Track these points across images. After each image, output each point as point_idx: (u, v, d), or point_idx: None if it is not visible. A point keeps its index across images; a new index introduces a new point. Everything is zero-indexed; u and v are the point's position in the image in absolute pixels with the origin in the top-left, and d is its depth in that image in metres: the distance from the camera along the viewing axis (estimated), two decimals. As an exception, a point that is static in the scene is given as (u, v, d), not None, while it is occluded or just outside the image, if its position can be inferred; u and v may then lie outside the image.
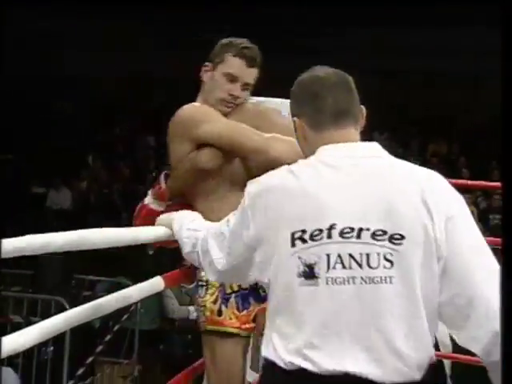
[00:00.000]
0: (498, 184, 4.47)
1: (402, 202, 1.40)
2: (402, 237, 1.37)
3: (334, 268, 1.37)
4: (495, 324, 1.35)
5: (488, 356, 1.38)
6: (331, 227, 1.38)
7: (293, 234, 1.40)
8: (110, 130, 11.69)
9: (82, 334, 4.81)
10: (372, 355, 1.35)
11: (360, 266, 1.36)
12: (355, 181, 1.43)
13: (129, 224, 2.10)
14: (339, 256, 1.37)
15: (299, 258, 1.38)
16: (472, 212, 5.95)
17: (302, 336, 1.38)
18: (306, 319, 1.38)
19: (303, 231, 1.39)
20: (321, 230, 1.38)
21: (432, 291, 1.39)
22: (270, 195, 1.45)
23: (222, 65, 2.12)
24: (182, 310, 5.65)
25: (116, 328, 5.56)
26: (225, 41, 2.17)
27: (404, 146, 10.64)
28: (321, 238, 1.38)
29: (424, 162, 10.06)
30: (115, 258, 6.82)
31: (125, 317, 5.76)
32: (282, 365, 1.38)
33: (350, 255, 1.37)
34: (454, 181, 5.21)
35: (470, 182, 4.86)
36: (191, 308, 5.60)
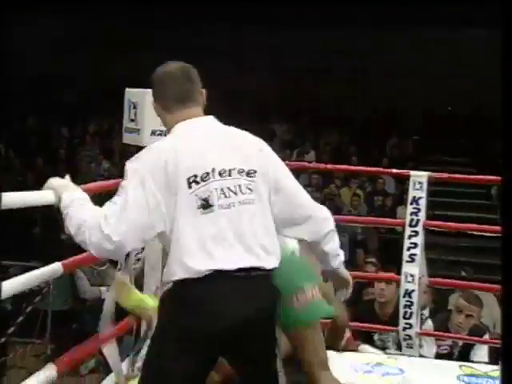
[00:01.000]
0: (381, 169, 4.74)
1: (250, 149, 1.93)
2: (255, 171, 1.90)
3: (220, 198, 1.84)
4: (330, 223, 2.06)
5: (323, 245, 2.05)
6: (213, 170, 1.85)
7: (188, 179, 1.82)
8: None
9: (-6, 316, 4.63)
10: (251, 252, 1.83)
11: (235, 194, 1.85)
12: (216, 138, 1.91)
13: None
14: (221, 189, 1.85)
15: (196, 195, 1.82)
16: (358, 195, 6.17)
17: (206, 248, 1.80)
18: (208, 237, 1.80)
19: (195, 176, 1.83)
20: (207, 173, 1.84)
21: (276, 206, 1.93)
22: (162, 156, 1.83)
23: None
24: (94, 291, 5.56)
25: (29, 309, 5.39)
26: None
27: (301, 136, 10.87)
28: (208, 179, 1.83)
29: (318, 150, 10.30)
30: (28, 242, 6.62)
31: (37, 298, 5.59)
32: (192, 275, 1.78)
33: (228, 188, 1.85)
34: (344, 166, 5.28)
35: (358, 168, 5.16)
36: (103, 288, 5.52)
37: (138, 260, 2.56)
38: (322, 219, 2.06)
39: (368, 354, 3.47)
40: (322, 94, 11.12)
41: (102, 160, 9.15)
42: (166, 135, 3.28)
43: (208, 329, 1.80)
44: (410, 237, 3.35)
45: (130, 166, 1.86)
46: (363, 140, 10.41)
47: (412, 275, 3.31)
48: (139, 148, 3.62)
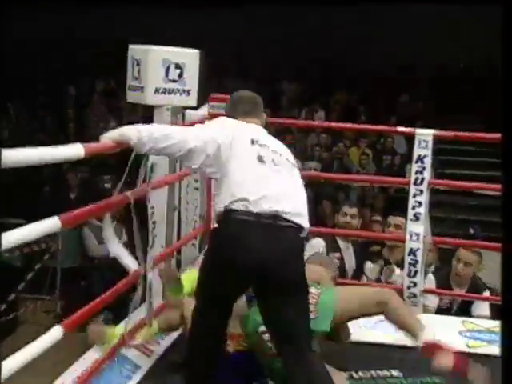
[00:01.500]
0: (386, 127, 4.70)
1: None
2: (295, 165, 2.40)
3: (272, 160, 2.30)
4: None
5: None
6: (267, 146, 2.35)
7: (252, 140, 2.32)
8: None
9: (3, 273, 4.70)
10: (290, 206, 2.23)
11: (284, 165, 2.33)
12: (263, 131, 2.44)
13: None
14: (273, 158, 2.30)
15: (255, 150, 2.29)
16: (367, 154, 6.14)
17: (259, 193, 2.19)
18: (263, 184, 2.22)
19: (257, 140, 2.34)
20: (264, 144, 2.34)
21: None
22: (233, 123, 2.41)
23: None
24: (102, 249, 5.61)
25: (38, 267, 5.46)
26: None
27: (310, 95, 10.77)
28: (265, 146, 2.33)
29: (328, 109, 10.22)
30: (38, 202, 6.66)
31: (46, 256, 5.67)
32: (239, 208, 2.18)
33: (278, 160, 2.32)
34: (349, 125, 5.23)
35: (364, 126, 5.11)
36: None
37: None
38: None
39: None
40: (333, 50, 10.95)
41: (110, 119, 9.13)
42: (169, 93, 3.34)
43: (240, 260, 2.13)
44: (414, 195, 3.33)
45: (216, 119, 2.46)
46: (373, 99, 10.30)
47: (417, 234, 3.31)
48: (147, 107, 3.65)
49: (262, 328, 2.51)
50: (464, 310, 3.76)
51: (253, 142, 2.31)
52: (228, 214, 2.19)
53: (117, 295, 2.47)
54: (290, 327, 2.22)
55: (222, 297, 2.27)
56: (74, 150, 2.04)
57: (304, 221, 2.25)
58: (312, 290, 2.55)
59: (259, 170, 2.25)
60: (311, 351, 2.26)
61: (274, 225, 2.16)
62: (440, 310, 3.73)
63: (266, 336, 2.51)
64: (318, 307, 2.55)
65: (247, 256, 2.13)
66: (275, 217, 2.17)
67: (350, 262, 4.03)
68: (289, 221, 2.19)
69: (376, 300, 2.55)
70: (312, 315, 2.44)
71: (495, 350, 3.25)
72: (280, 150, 2.38)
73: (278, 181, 2.26)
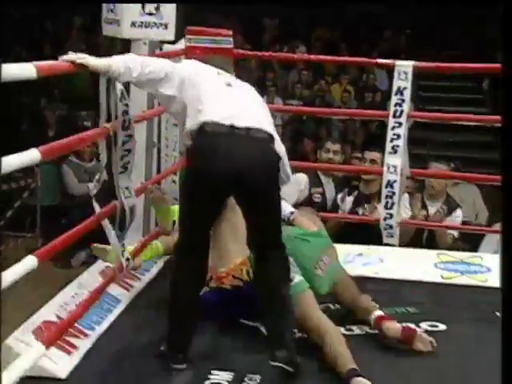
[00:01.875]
0: (365, 60, 4.67)
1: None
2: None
3: (237, 85, 2.45)
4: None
5: None
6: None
7: (218, 72, 2.46)
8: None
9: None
10: (257, 119, 2.35)
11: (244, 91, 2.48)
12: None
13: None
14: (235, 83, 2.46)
15: (222, 79, 2.43)
16: (349, 91, 6.13)
17: (231, 109, 2.31)
18: (233, 101, 2.35)
19: (219, 73, 2.47)
20: (223, 74, 2.49)
21: None
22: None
23: None
24: (81, 187, 5.60)
25: (17, 204, 5.44)
26: None
27: (292, 32, 10.59)
28: (228, 76, 2.48)
29: (310, 46, 10.08)
30: (15, 139, 6.57)
31: (26, 194, 5.65)
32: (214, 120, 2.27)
33: (238, 86, 2.47)
34: (337, 58, 5.19)
35: (350, 59, 5.06)
36: (90, 185, 5.55)
37: (126, 151, 2.55)
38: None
39: (349, 246, 3.56)
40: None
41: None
42: (146, 27, 3.27)
43: (215, 170, 2.23)
44: (393, 128, 3.33)
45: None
46: (355, 35, 10.16)
47: (394, 166, 3.33)
48: (125, 43, 3.58)
49: None
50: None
51: (219, 73, 2.46)
52: (201, 129, 2.28)
53: (94, 226, 2.47)
54: (264, 230, 2.35)
55: (204, 210, 2.34)
56: (26, 71, 1.90)
57: (272, 130, 2.36)
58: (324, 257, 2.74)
59: (228, 91, 2.39)
60: (279, 255, 2.38)
61: (246, 135, 2.27)
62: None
63: None
64: (327, 270, 2.71)
65: (221, 165, 2.23)
66: (247, 129, 2.28)
67: (331, 196, 4.11)
68: (261, 131, 2.30)
69: (352, 297, 2.72)
70: (321, 273, 2.64)
71: (468, 280, 3.35)
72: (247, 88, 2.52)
73: (246, 99, 2.41)
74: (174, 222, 3.01)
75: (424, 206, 3.93)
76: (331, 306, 2.83)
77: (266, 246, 2.37)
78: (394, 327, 2.55)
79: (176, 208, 2.98)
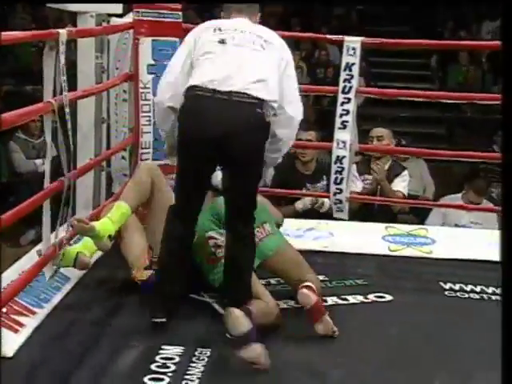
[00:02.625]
0: (320, 36, 4.70)
1: (272, 36, 2.49)
2: (273, 44, 2.46)
3: (235, 40, 2.38)
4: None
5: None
6: (235, 29, 2.42)
7: (214, 29, 2.43)
8: None
9: None
10: (247, 82, 2.32)
11: (249, 43, 2.38)
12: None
13: None
14: (238, 38, 2.38)
15: (217, 36, 2.40)
16: (301, 67, 6.09)
17: (215, 72, 2.32)
18: (220, 62, 2.35)
19: (220, 28, 2.43)
20: (229, 29, 2.42)
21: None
22: (205, 24, 2.51)
23: None
24: (29, 164, 5.48)
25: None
26: None
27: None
28: (229, 31, 2.41)
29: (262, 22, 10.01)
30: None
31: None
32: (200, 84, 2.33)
33: (244, 39, 2.41)
34: (287, 33, 5.24)
35: (301, 34, 5.09)
36: (37, 161, 5.44)
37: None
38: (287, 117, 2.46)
39: (300, 220, 3.60)
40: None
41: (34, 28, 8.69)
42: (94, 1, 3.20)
43: (198, 134, 2.31)
44: (342, 103, 3.36)
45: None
46: (306, 10, 10.15)
47: (343, 141, 3.36)
48: (72, 16, 3.50)
49: (210, 233, 2.64)
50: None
51: (215, 30, 2.42)
52: (186, 93, 2.35)
53: (39, 204, 2.43)
54: (238, 197, 2.39)
55: (191, 171, 2.40)
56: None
57: (264, 93, 2.31)
58: (266, 226, 2.69)
59: (218, 50, 2.37)
60: (247, 230, 2.41)
61: (228, 100, 2.28)
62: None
63: (212, 242, 2.63)
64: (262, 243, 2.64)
65: (201, 129, 2.30)
66: (229, 93, 2.28)
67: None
68: (245, 95, 2.28)
69: (299, 277, 2.60)
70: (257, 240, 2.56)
71: (413, 252, 3.44)
72: (252, 30, 2.43)
73: (236, 57, 2.35)
74: (110, 236, 2.55)
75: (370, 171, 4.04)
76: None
77: (239, 221, 2.39)
78: (308, 296, 2.43)
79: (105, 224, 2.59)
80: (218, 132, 2.27)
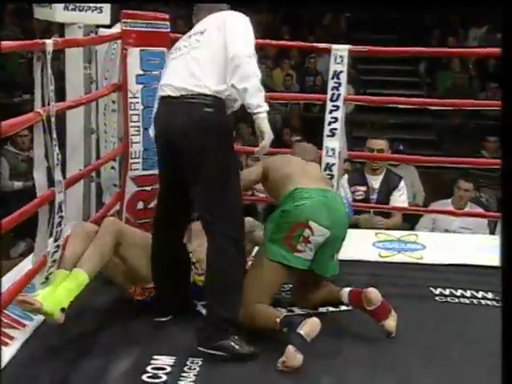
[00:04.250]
0: (308, 44, 4.73)
1: (211, 20, 2.52)
2: (204, 31, 2.46)
3: (176, 52, 2.51)
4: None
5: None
6: (189, 35, 2.54)
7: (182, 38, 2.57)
8: None
9: None
10: (187, 81, 2.40)
11: (186, 47, 2.48)
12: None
13: None
14: (179, 47, 2.52)
15: (177, 45, 2.55)
16: (291, 75, 6.14)
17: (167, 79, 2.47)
18: (170, 70, 2.49)
19: (188, 35, 2.55)
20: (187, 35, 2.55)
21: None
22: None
23: None
24: (7, 184, 5.32)
25: None
26: None
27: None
28: (179, 46, 2.54)
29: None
30: None
31: None
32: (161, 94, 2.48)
33: (184, 46, 2.50)
34: (275, 42, 5.22)
35: (288, 43, 5.10)
36: (17, 183, 5.32)
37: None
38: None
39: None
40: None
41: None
42: (80, 11, 3.21)
43: (159, 136, 2.47)
44: (330, 111, 3.38)
45: None
46: (295, 19, 10.19)
47: (333, 149, 3.38)
48: (61, 27, 3.50)
49: None
50: (382, 200, 3.98)
51: (188, 36, 2.54)
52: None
53: (26, 216, 2.41)
54: (200, 203, 2.38)
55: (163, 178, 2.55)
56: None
57: (205, 88, 2.34)
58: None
59: (178, 56, 2.49)
60: (223, 231, 2.31)
61: (175, 102, 2.38)
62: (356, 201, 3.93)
63: None
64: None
65: (158, 134, 2.47)
66: (170, 97, 2.40)
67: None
68: (190, 97, 2.35)
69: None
70: None
71: (404, 258, 3.45)
72: (207, 27, 2.47)
73: (187, 62, 2.43)
74: (63, 309, 2.34)
75: (365, 181, 4.02)
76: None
77: (208, 220, 2.34)
78: (378, 293, 2.54)
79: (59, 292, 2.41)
80: (167, 136, 2.40)
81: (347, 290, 2.62)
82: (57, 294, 2.32)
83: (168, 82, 2.44)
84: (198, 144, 2.29)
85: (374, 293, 2.52)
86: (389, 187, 4.01)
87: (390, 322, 2.52)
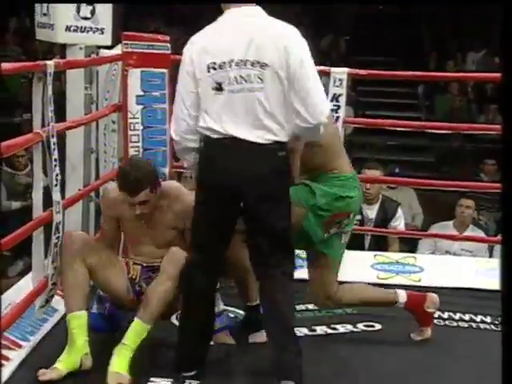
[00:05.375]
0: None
1: (270, 43, 2.19)
2: (267, 65, 2.18)
3: (232, 84, 2.20)
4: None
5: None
6: (231, 60, 2.20)
7: (208, 65, 2.22)
8: None
9: None
10: (253, 127, 2.20)
11: (246, 81, 2.19)
12: (243, 30, 2.22)
13: None
14: (235, 77, 2.20)
15: (212, 79, 2.22)
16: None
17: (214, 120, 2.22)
18: (218, 112, 2.21)
19: (214, 63, 2.22)
20: (224, 62, 2.20)
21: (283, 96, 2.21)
22: (193, 48, 2.27)
23: None
24: (6, 205, 5.30)
25: None
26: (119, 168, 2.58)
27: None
28: (225, 67, 2.20)
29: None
30: None
31: None
32: (212, 135, 2.24)
33: (241, 76, 2.19)
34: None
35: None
36: (15, 203, 5.30)
37: (55, 161, 2.50)
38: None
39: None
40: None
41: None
42: (82, 32, 3.23)
43: (219, 181, 2.23)
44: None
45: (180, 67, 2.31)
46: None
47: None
48: (63, 48, 3.52)
49: None
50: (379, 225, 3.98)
51: (209, 69, 2.22)
52: (206, 139, 2.27)
53: (25, 237, 2.41)
54: (265, 246, 2.24)
55: (217, 222, 2.28)
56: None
57: (276, 136, 2.21)
58: None
59: (217, 99, 2.21)
60: (282, 272, 2.25)
61: (244, 147, 2.20)
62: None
63: None
64: None
65: (224, 177, 2.22)
66: (245, 141, 2.20)
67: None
68: (262, 144, 2.19)
69: None
70: None
71: (402, 280, 3.44)
72: (248, 53, 2.19)
73: (241, 104, 2.20)
74: (86, 354, 2.39)
75: (359, 211, 4.00)
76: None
77: (266, 265, 2.24)
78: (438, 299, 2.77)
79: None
80: (239, 179, 2.20)
81: (403, 291, 2.77)
82: (72, 352, 2.34)
83: (230, 124, 2.21)
84: (273, 189, 2.22)
85: (437, 298, 2.75)
86: (385, 216, 4.00)
87: (429, 331, 2.74)
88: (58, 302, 2.71)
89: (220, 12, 2.31)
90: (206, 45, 2.24)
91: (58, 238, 2.47)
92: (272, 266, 2.23)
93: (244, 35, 2.20)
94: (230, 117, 2.20)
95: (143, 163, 2.52)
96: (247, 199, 2.22)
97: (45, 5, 3.28)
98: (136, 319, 2.35)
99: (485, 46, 9.35)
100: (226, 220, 2.29)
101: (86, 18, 3.27)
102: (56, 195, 2.50)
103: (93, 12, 3.28)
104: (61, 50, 3.43)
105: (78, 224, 3.34)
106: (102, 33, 3.33)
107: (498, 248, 4.17)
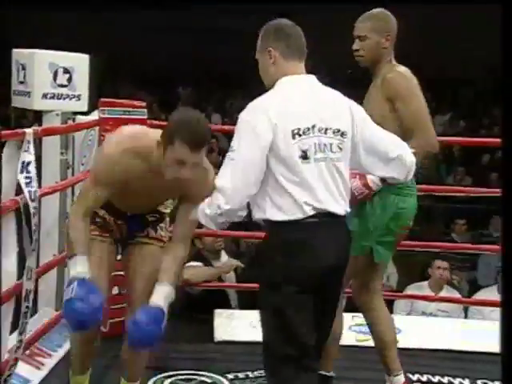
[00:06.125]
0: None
1: (343, 110, 2.12)
2: (346, 133, 2.11)
3: (317, 152, 2.04)
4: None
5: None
6: (313, 126, 2.05)
7: (292, 131, 2.02)
8: None
9: None
10: (338, 201, 2.08)
11: (329, 151, 2.07)
12: (316, 97, 2.10)
13: None
14: (318, 145, 2.05)
15: (298, 146, 2.02)
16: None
17: (306, 191, 2.03)
18: (307, 182, 2.02)
19: (299, 129, 2.03)
20: (308, 128, 2.03)
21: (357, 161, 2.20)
22: (270, 113, 2.01)
23: (171, 148, 2.05)
24: None
25: None
26: (176, 118, 2.11)
27: (206, 99, 10.79)
28: (309, 133, 2.03)
29: (224, 113, 10.26)
30: None
31: None
32: (291, 217, 2.02)
33: (324, 144, 2.06)
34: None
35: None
36: None
37: (35, 226, 2.45)
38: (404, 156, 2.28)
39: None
40: (230, 54, 11.02)
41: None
42: (58, 99, 3.25)
43: (310, 271, 2.02)
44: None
45: (242, 127, 2.05)
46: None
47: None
48: (37, 114, 3.53)
49: None
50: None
51: (294, 135, 2.03)
52: (287, 219, 2.03)
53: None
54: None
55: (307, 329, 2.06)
56: None
57: (345, 208, 2.12)
58: None
59: (303, 168, 2.03)
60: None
61: (336, 222, 2.07)
62: None
63: None
64: None
65: (324, 262, 2.03)
66: (336, 216, 2.07)
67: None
68: (339, 216, 2.08)
69: None
70: None
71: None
72: (329, 122, 2.08)
73: (328, 175, 2.06)
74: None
75: None
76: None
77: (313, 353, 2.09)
78: None
79: None
80: (334, 261, 2.07)
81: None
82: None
83: (324, 196, 2.05)
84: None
85: None
86: None
87: None
88: (32, 373, 2.64)
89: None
90: (285, 110, 2.03)
91: (27, 307, 2.39)
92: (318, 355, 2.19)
93: (320, 103, 2.09)
94: (321, 188, 2.04)
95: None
96: (332, 283, 2.10)
97: (21, 73, 3.31)
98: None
99: (450, 110, 9.64)
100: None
101: (62, 86, 3.31)
102: (31, 261, 2.45)
103: (69, 79, 3.33)
104: (34, 115, 3.43)
105: (53, 291, 3.28)
106: (79, 99, 3.37)
107: (472, 309, 4.21)
